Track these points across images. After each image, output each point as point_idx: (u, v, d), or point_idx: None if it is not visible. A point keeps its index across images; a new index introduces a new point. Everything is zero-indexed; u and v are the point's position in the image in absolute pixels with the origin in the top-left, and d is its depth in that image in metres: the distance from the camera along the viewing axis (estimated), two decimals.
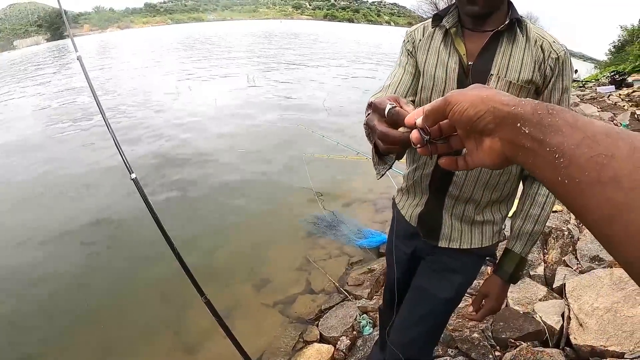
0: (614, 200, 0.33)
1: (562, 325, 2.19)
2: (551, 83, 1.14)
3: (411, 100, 1.26)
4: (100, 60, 22.53)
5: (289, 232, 4.37)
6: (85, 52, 29.75)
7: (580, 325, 2.13)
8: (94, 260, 4.00)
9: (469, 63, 1.17)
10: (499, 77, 1.13)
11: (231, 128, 8.18)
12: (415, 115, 0.58)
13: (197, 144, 7.25)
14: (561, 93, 1.16)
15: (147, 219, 1.89)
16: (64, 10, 2.32)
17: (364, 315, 2.87)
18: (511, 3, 1.18)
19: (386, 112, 0.66)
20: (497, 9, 1.14)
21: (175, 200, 5.16)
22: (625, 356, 1.93)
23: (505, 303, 2.51)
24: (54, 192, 5.48)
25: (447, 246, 1.36)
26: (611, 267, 2.48)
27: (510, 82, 1.12)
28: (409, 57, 1.29)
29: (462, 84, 1.16)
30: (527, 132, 0.42)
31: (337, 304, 3.14)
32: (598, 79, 12.62)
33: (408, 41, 1.31)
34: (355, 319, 2.84)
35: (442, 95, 1.04)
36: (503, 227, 1.42)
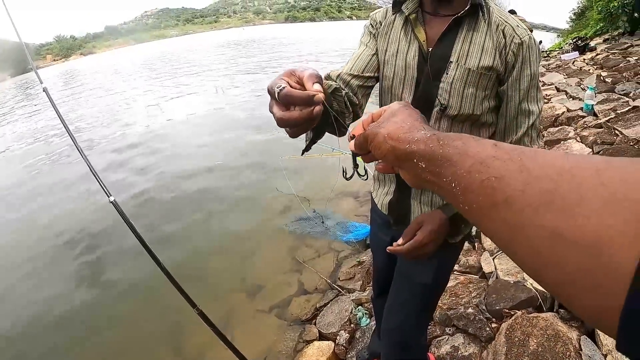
0: (509, 221, 0.33)
1: None
2: (515, 70, 1.09)
3: (373, 77, 1.23)
4: (65, 90, 22.02)
5: (276, 236, 4.35)
6: (51, 82, 29.31)
7: None
8: (82, 282, 3.94)
9: (429, 49, 1.14)
10: (458, 64, 1.10)
11: (205, 141, 8.10)
12: (356, 129, 0.64)
13: (172, 161, 7.18)
14: (529, 80, 1.10)
15: (131, 238, 1.86)
16: (25, 44, 2.25)
17: (360, 307, 2.87)
18: None
19: (277, 96, 0.66)
20: None
21: (157, 216, 5.09)
22: None
23: (495, 275, 2.53)
24: (37, 223, 5.34)
25: None
26: None
27: (469, 69, 1.10)
28: (371, 37, 1.27)
29: (421, 71, 1.16)
30: (423, 166, 0.44)
31: (331, 300, 3.13)
32: (562, 47, 12.84)
33: (370, 24, 1.29)
34: (352, 312, 2.84)
35: (403, 85, 1.20)
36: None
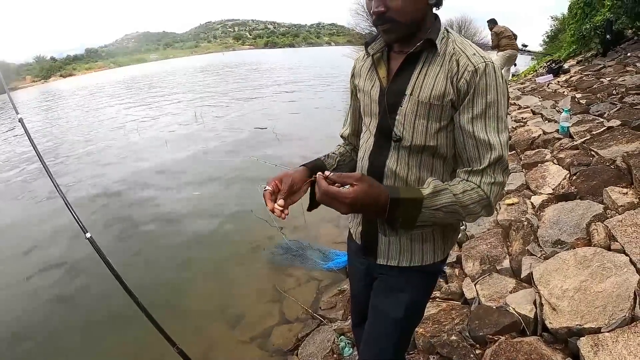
0: None
1: (536, 313, 2.19)
2: (467, 98, 1.07)
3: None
4: (43, 114, 21.56)
5: (255, 266, 4.27)
6: (29, 101, 28.88)
7: (554, 309, 2.13)
8: (57, 323, 3.74)
9: (387, 85, 1.21)
10: (411, 96, 1.14)
11: (183, 169, 7.98)
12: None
13: (149, 192, 7.00)
14: (483, 108, 1.06)
15: (107, 275, 1.79)
16: (3, 62, 2.20)
17: (342, 337, 2.80)
18: (437, 18, 1.17)
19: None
20: (409, 33, 1.13)
21: (133, 250, 4.94)
22: (602, 330, 1.94)
23: (477, 301, 2.49)
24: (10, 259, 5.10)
25: (385, 264, 1.33)
26: (574, 248, 2.51)
27: (419, 101, 1.13)
28: (353, 90, 1.44)
29: (381, 105, 1.23)
30: None
31: (313, 329, 3.07)
32: (536, 70, 13.17)
33: (352, 74, 1.42)
34: (334, 342, 2.77)
35: (371, 117, 1.30)
36: (444, 246, 1.34)
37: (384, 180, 1.24)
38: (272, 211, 1.13)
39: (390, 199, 1.04)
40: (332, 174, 1.05)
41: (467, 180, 1.12)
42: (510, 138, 1.21)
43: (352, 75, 1.42)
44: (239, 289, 3.90)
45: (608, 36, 8.99)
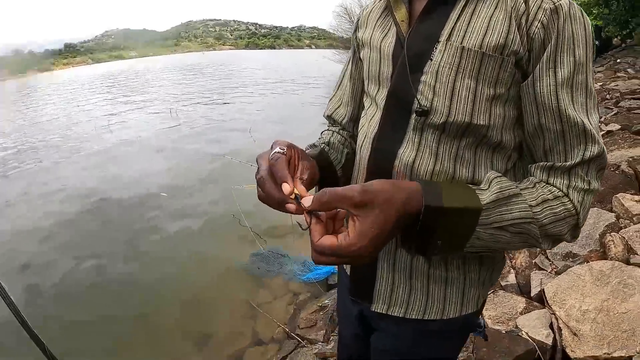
0: None
1: (554, 339, 1.89)
2: (546, 54, 0.67)
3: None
4: (19, 107, 20.54)
5: (227, 277, 3.86)
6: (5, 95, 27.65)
7: (575, 334, 1.85)
8: None
9: (410, 29, 0.78)
10: (448, 42, 0.72)
11: (156, 169, 7.45)
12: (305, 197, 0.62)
13: (115, 186, 6.52)
14: (571, 70, 0.67)
15: None
16: None
17: None
18: None
19: (257, 171, 0.68)
20: None
21: (93, 251, 4.45)
22: (633, 359, 1.67)
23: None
24: None
25: (384, 312, 0.88)
26: (588, 262, 2.24)
27: (465, 48, 0.71)
28: (356, 48, 1.00)
29: (397, 63, 0.80)
30: None
31: (290, 352, 2.72)
32: None
33: (355, 26, 0.99)
34: None
35: (378, 84, 0.86)
36: (480, 289, 0.88)
37: None
38: (285, 202, 0.65)
39: (426, 207, 0.62)
40: (312, 199, 0.61)
41: (546, 183, 0.71)
42: None
43: (356, 29, 0.98)
44: (208, 303, 3.49)
45: (597, 42, 9.06)
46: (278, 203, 0.65)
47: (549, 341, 1.88)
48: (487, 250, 0.71)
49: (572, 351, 1.79)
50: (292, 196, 0.63)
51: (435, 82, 0.73)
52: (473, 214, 0.64)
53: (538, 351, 1.87)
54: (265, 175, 0.66)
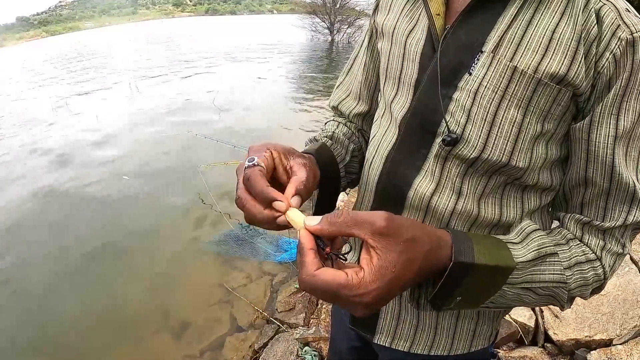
0: None
1: (537, 320, 1.92)
2: (613, 92, 0.56)
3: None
4: None
5: (198, 260, 3.75)
6: None
7: (556, 316, 1.91)
8: None
9: (446, 27, 0.64)
10: (494, 56, 0.59)
11: (114, 149, 7.02)
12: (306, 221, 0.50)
13: (76, 177, 6.03)
14: (634, 121, 0.58)
15: None
16: None
17: (306, 347, 2.45)
18: None
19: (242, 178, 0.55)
20: None
21: (57, 253, 4.15)
22: (614, 342, 1.72)
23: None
24: None
25: (388, 345, 0.81)
26: None
27: (515, 68, 0.58)
28: (370, 35, 0.84)
29: (424, 67, 0.66)
30: None
31: (271, 338, 2.71)
32: None
33: (375, 6, 0.82)
34: (297, 354, 2.38)
35: (397, 90, 0.72)
36: (492, 325, 0.81)
37: (402, 213, 0.70)
38: (273, 220, 0.54)
39: (455, 263, 0.52)
40: (320, 220, 0.49)
41: (580, 241, 0.64)
42: None
43: (375, 10, 0.82)
44: (181, 289, 3.40)
45: None
46: (266, 223, 0.54)
47: (532, 323, 1.93)
48: (506, 307, 0.66)
49: (554, 333, 1.84)
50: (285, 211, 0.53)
51: (472, 104, 0.61)
52: (504, 272, 0.57)
53: (521, 333, 1.91)
54: (242, 194, 0.54)
